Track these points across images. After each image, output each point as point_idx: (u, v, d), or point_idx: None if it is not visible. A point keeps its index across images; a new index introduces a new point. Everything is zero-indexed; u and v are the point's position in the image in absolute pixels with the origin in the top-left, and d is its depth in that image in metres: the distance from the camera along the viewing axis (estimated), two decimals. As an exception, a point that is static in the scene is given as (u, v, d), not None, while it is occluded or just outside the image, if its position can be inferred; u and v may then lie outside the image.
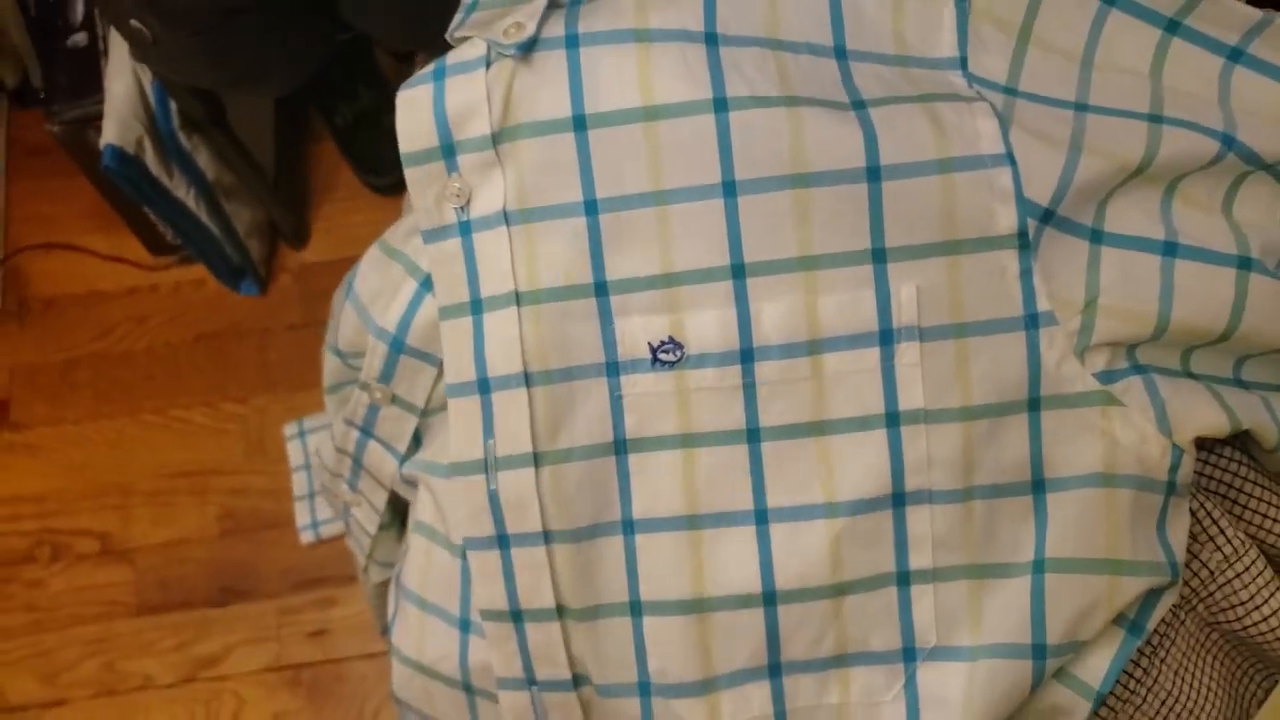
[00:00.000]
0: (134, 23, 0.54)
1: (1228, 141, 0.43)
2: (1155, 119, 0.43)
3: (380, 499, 0.55)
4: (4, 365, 1.11)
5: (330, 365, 0.53)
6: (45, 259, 1.12)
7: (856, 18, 0.45)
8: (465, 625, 0.49)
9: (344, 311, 0.51)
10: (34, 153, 1.01)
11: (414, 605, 0.51)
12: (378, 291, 0.49)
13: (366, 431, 0.51)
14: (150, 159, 0.81)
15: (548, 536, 0.44)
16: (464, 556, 0.48)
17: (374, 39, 0.78)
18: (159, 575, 1.09)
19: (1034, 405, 0.43)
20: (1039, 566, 0.43)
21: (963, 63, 0.44)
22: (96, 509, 1.09)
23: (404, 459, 0.51)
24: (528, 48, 0.43)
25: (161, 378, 1.11)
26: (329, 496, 0.60)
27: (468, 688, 0.50)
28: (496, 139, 0.43)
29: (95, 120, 0.81)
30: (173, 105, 0.80)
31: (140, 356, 1.12)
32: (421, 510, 0.50)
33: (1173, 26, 0.44)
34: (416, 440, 0.51)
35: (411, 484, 0.51)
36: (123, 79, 0.77)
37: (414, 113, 0.44)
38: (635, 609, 0.45)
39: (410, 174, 0.44)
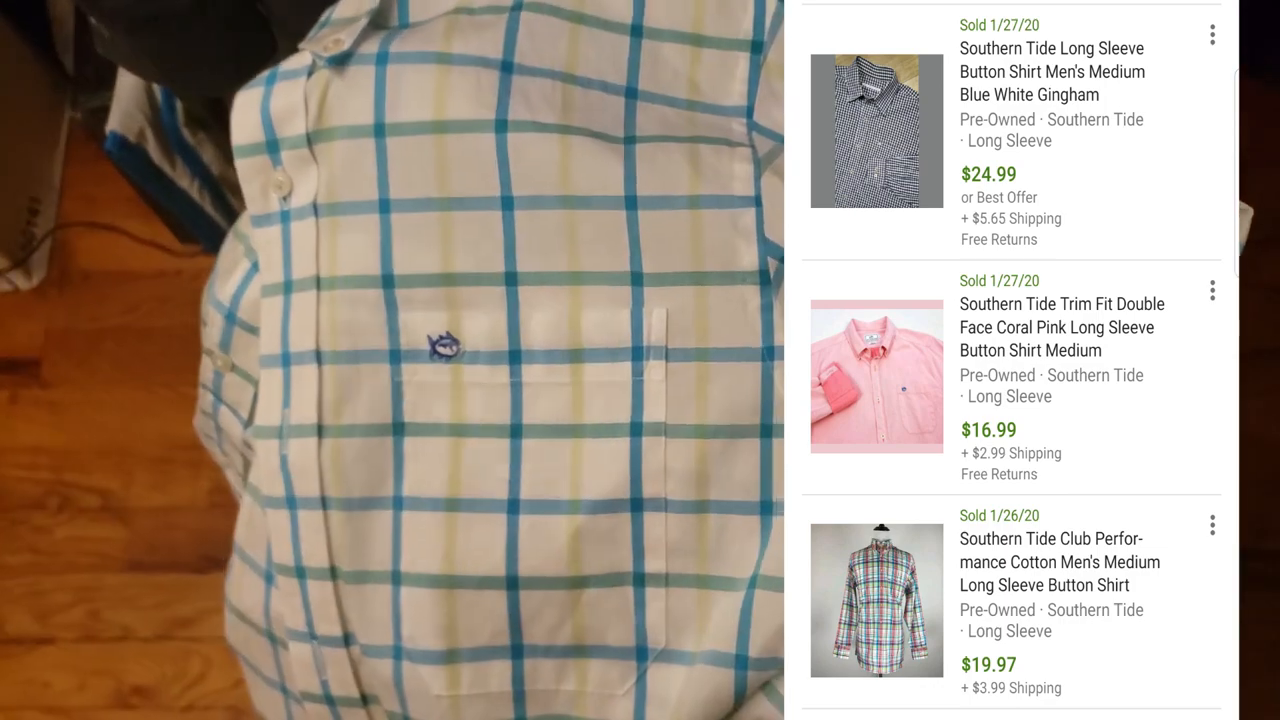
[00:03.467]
0: (93, 19, 0.62)
1: None
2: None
3: (239, 462, 0.60)
4: (41, 328, 1.21)
5: (202, 333, 0.59)
6: (89, 236, 1.22)
7: (654, 63, 0.49)
8: (269, 577, 0.54)
9: (207, 284, 0.57)
10: (92, 137, 1.11)
11: (238, 557, 0.56)
12: (226, 268, 0.55)
13: (217, 396, 0.57)
14: (153, 149, 0.89)
15: (325, 502, 0.49)
16: None
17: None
18: (150, 537, 1.16)
19: (766, 432, 0.45)
20: (754, 582, 0.46)
21: (749, 111, 0.48)
22: (104, 468, 1.18)
23: (246, 425, 0.56)
24: (342, 60, 0.48)
25: (177, 355, 1.19)
26: (214, 459, 0.66)
27: (270, 636, 0.55)
28: (312, 139, 0.49)
29: (114, 110, 0.90)
30: (178, 101, 0.88)
31: (160, 334, 1.21)
32: (253, 473, 0.55)
33: None
34: None
35: (251, 449, 0.56)
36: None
37: (245, 111, 0.49)
38: (396, 578, 0.48)
39: (240, 165, 0.50)
